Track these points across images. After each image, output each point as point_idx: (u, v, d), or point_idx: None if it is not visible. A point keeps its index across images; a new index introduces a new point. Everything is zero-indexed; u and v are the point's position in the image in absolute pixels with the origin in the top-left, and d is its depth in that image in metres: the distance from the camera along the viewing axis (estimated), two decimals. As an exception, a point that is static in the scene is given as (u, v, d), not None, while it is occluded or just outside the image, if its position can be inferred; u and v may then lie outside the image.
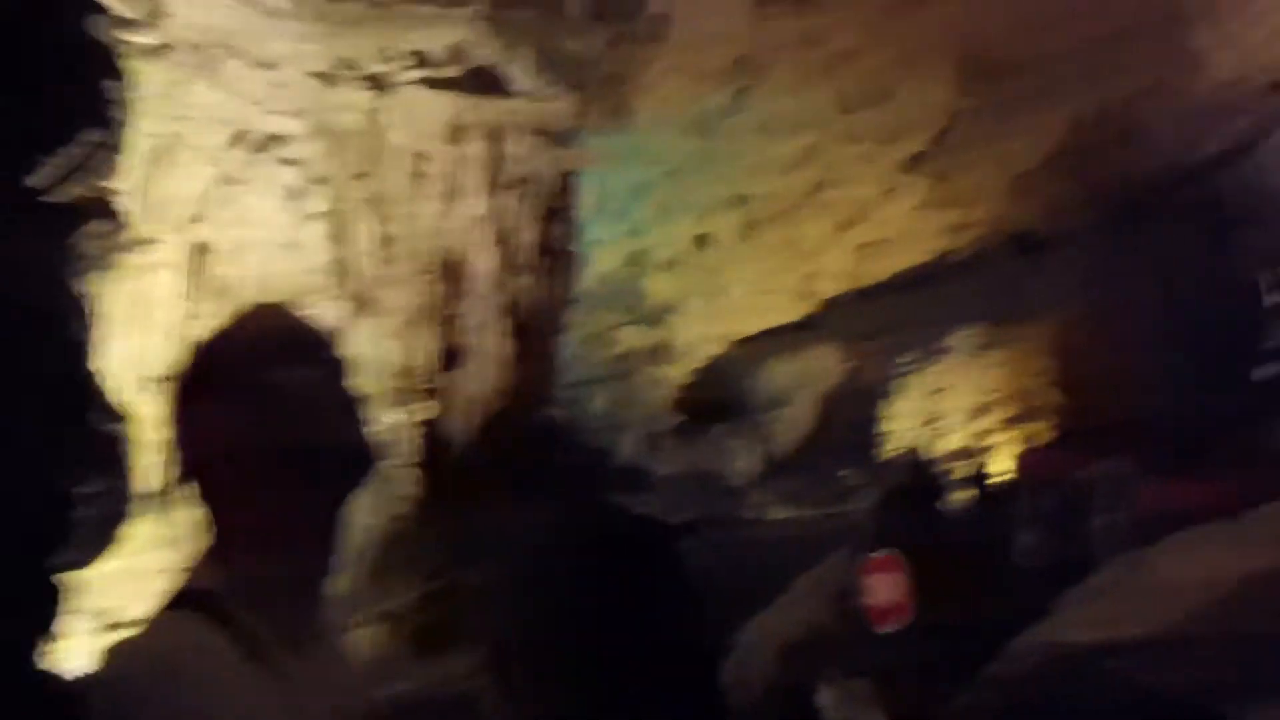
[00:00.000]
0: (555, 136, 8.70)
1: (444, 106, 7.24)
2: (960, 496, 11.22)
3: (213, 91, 5.80)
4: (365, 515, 7.26)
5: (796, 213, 13.03)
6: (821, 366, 14.39)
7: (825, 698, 7.04)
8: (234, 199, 6.23)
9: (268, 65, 6.04)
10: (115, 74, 3.75)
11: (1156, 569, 6.85)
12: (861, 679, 7.48)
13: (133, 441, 4.43)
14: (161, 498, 5.01)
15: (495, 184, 8.33)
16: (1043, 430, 12.15)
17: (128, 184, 4.39)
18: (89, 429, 3.87)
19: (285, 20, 5.84)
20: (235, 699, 1.51)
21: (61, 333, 3.60)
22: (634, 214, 12.34)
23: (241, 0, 5.80)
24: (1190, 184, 10.93)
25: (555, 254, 9.36)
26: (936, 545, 8.69)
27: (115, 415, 4.29)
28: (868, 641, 8.25)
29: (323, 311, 7.36)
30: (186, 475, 1.68)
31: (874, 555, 8.41)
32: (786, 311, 14.55)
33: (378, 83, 6.68)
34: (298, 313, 1.85)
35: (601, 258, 12.24)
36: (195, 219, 6.10)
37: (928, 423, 12.82)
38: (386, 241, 7.56)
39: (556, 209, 9.20)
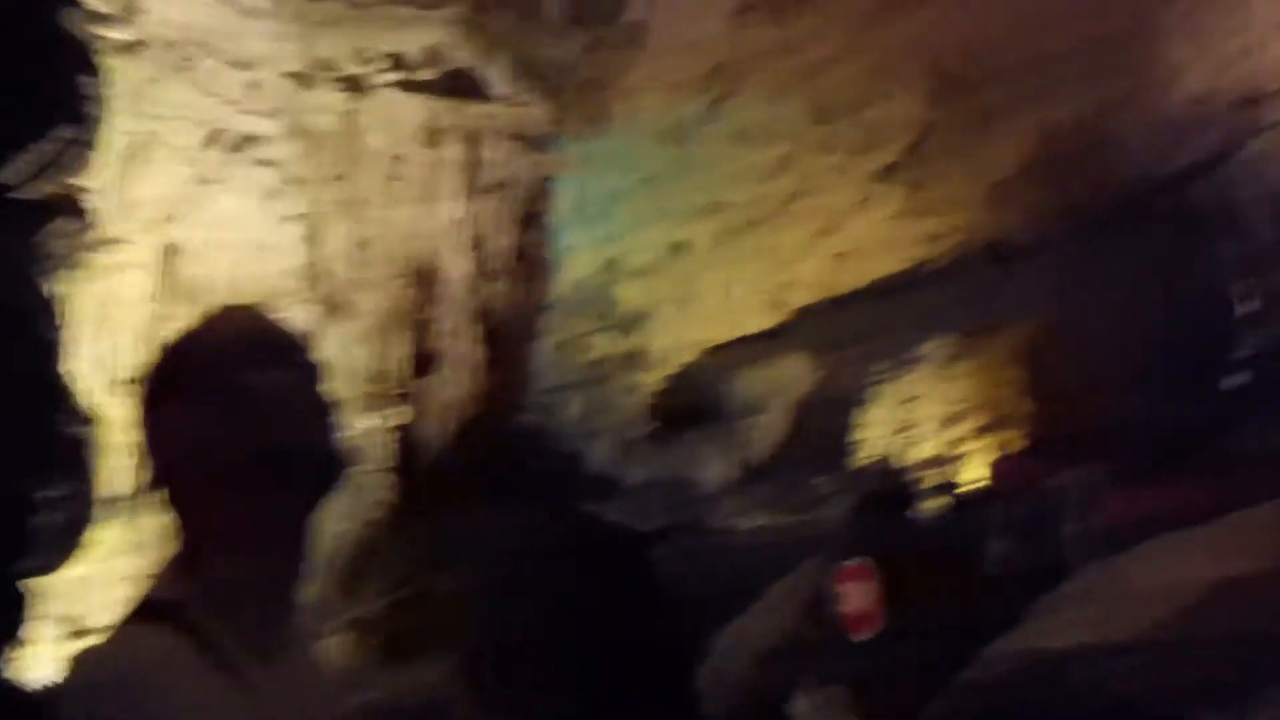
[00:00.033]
0: (532, 142, 8.67)
1: (421, 109, 7.19)
2: (933, 504, 11.30)
3: (188, 90, 5.71)
4: (337, 521, 7.17)
5: (772, 221, 13.10)
6: (794, 375, 14.43)
7: (800, 704, 7.04)
8: (208, 199, 6.13)
9: (244, 65, 5.96)
10: (90, 70, 3.67)
11: (1128, 576, 6.94)
12: (836, 686, 7.50)
13: (100, 445, 4.34)
14: (129, 502, 4.91)
15: (471, 188, 8.29)
16: (1014, 438, 12.26)
17: (99, 182, 4.30)
18: (55, 431, 3.77)
19: (262, 20, 5.77)
20: (202, 710, 1.47)
21: (29, 333, 3.51)
22: (609, 221, 12.35)
23: (219, -2, 5.76)
24: (1163, 195, 11.10)
25: (530, 260, 9.32)
26: (910, 553, 8.75)
27: (82, 417, 4.20)
28: (842, 648, 8.27)
29: (295, 314, 7.28)
30: (154, 480, 1.64)
31: (847, 563, 8.46)
32: (760, 319, 14.60)
33: (354, 84, 6.62)
34: (269, 315, 1.81)
35: (576, 264, 12.22)
36: (168, 219, 6.00)
37: (900, 431, 12.88)
38: (361, 245, 7.48)
39: (532, 214, 9.17)
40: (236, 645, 1.58)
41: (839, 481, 12.67)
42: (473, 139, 8.06)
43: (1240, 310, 10.49)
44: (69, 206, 3.84)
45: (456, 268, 8.38)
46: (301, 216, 6.69)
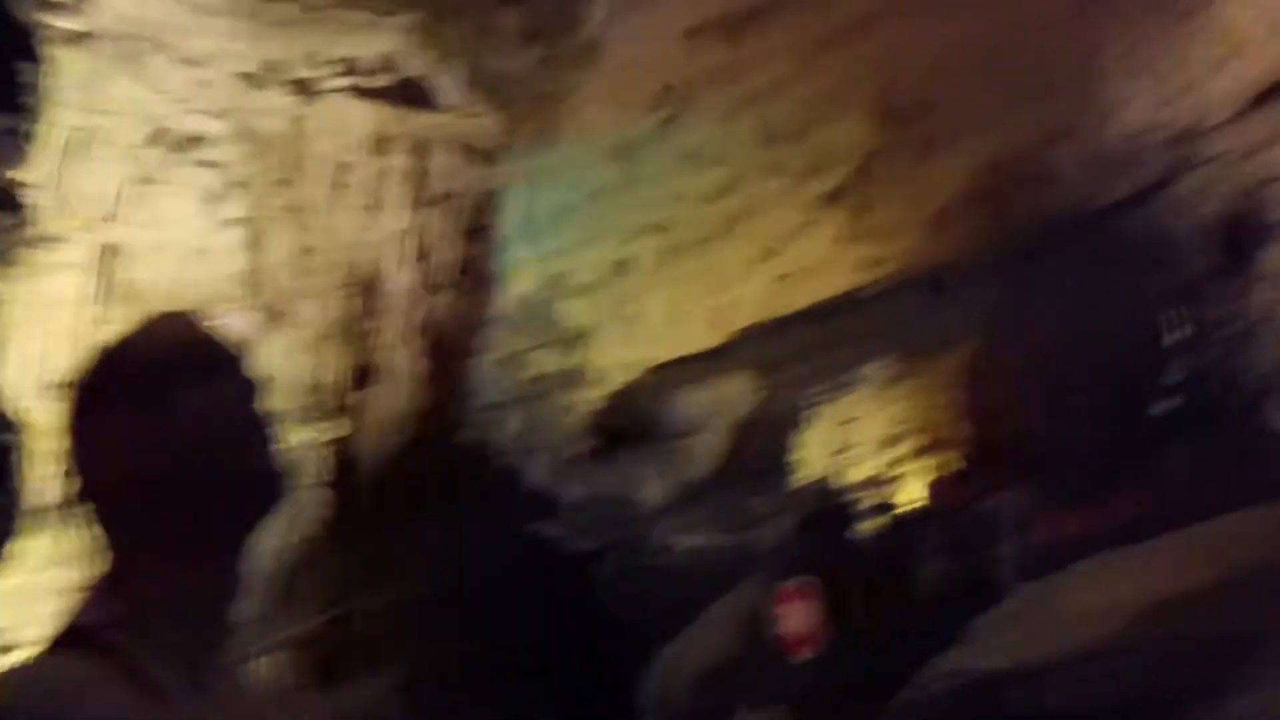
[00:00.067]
0: (481, 154, 8.62)
1: (370, 116, 7.10)
2: (870, 525, 11.42)
3: (135, 86, 5.53)
4: (272, 537, 6.96)
5: (716, 242, 13.19)
6: (734, 395, 14.50)
7: (743, 725, 7.03)
8: (149, 199, 5.94)
9: (193, 62, 5.80)
10: (31, 58, 3.52)
11: (1064, 595, 7.08)
12: (775, 708, 7.50)
13: (27, 452, 4.14)
14: (57, 513, 4.70)
15: (418, 199, 8.20)
16: (951, 460, 12.46)
17: (38, 176, 4.13)
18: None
19: (215, 17, 5.63)
20: None
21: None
22: (554, 236, 12.32)
23: (172, -7, 5.59)
24: (1097, 226, 11.49)
25: (475, 273, 9.25)
26: (848, 573, 8.84)
27: (9, 424, 4.01)
28: (782, 669, 8.31)
29: (234, 322, 7.08)
30: (82, 492, 1.55)
31: (787, 584, 8.52)
32: (702, 339, 14.65)
33: (304, 88, 6.50)
34: (208, 323, 1.74)
35: (520, 279, 12.15)
36: (107, 218, 5.79)
37: (839, 452, 13.03)
38: (304, 252, 7.33)
39: (478, 227, 9.10)
40: (165, 670, 1.51)
41: (778, 502, 12.73)
42: (421, 149, 7.98)
43: (1171, 338, 10.85)
44: (5, 199, 3.68)
45: (400, 279, 8.27)
46: (244, 221, 6.53)
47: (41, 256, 5.08)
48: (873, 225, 12.59)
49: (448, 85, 7.70)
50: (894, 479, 12.40)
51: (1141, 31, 10.65)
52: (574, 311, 13.80)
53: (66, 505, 1.49)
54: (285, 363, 7.30)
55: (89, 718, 1.32)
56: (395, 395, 8.44)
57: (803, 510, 12.10)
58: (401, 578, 8.67)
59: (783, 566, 9.49)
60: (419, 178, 8.07)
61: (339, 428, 7.81)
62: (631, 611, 10.16)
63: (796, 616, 8.16)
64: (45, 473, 4.25)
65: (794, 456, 13.36)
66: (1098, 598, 5.84)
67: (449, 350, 8.98)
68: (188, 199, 6.16)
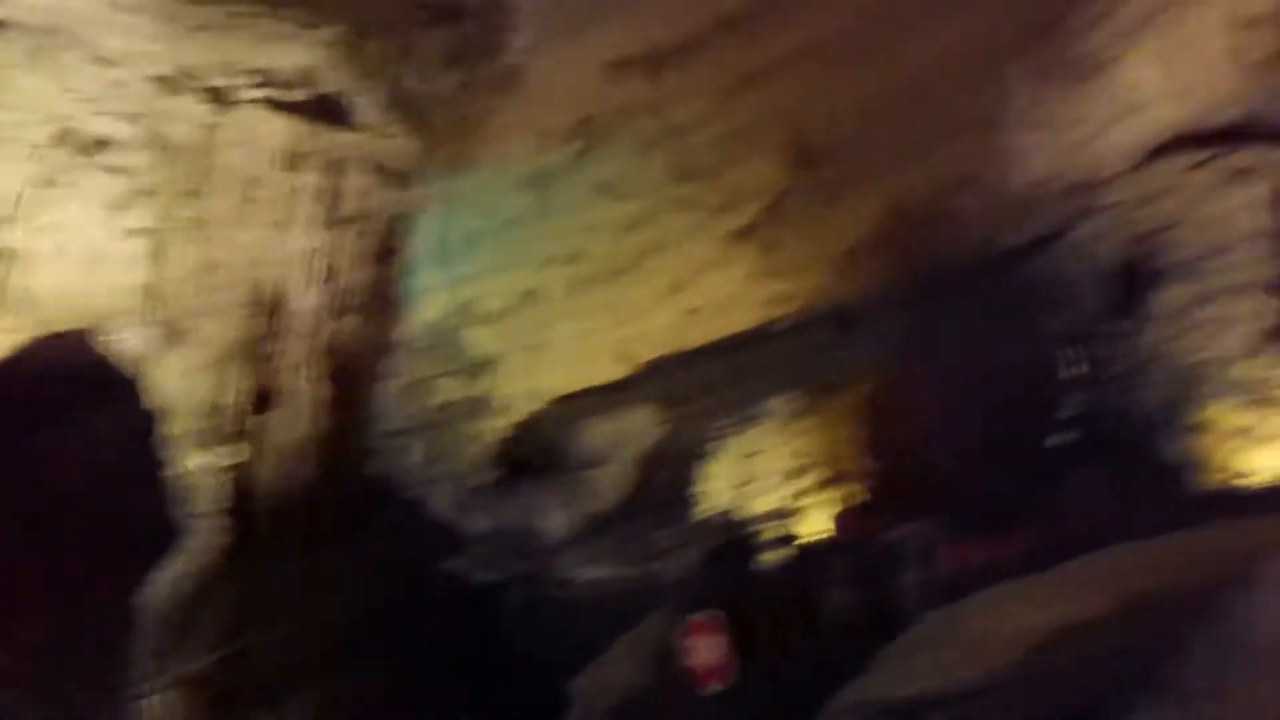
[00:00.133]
0: (395, 176, 8.46)
1: (284, 131, 6.89)
2: (775, 556, 11.55)
3: (44, 82, 5.22)
4: (167, 570, 6.58)
5: (625, 275, 13.26)
6: (639, 427, 14.52)
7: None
8: (50, 203, 5.59)
9: (107, 62, 5.52)
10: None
11: (969, 623, 7.28)
12: (687, 740, 7.46)
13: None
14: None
15: (328, 218, 7.98)
16: (856, 492, 12.75)
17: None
18: None
19: (134, 15, 5.38)
20: None
21: None
22: (465, 263, 12.16)
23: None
24: (998, 268, 12.05)
25: (382, 298, 9.03)
26: (754, 605, 8.91)
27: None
28: (691, 703, 8.27)
29: (130, 338, 6.73)
30: None
31: (694, 617, 8.52)
32: (608, 371, 14.67)
33: (219, 97, 6.26)
34: (100, 347, 1.62)
35: (427, 305, 11.93)
36: (6, 220, 5.42)
37: (744, 485, 13.15)
38: (207, 268, 7.03)
39: (388, 251, 8.91)
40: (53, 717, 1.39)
41: (683, 534, 12.77)
42: (334, 167, 7.79)
43: (1067, 375, 11.48)
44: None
45: (305, 300, 8.02)
46: (148, 231, 6.22)
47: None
48: (781, 262, 12.86)
49: (365, 104, 7.55)
50: (799, 511, 12.58)
51: (1046, 86, 11.35)
52: (481, 339, 13.63)
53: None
54: (183, 383, 6.96)
55: None
56: (297, 420, 8.13)
57: (708, 542, 12.18)
58: (302, 612, 8.31)
59: (689, 599, 9.52)
60: (331, 197, 7.86)
61: (238, 453, 7.47)
62: (538, 644, 9.99)
63: (705, 649, 8.18)
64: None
65: (699, 489, 13.43)
66: (1000, 626, 5.98)
67: (354, 375, 8.72)
68: (91, 205, 5.83)
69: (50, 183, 5.56)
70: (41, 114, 5.35)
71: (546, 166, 10.91)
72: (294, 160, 7.28)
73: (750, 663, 8.14)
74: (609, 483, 14.10)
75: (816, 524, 12.27)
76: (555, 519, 13.65)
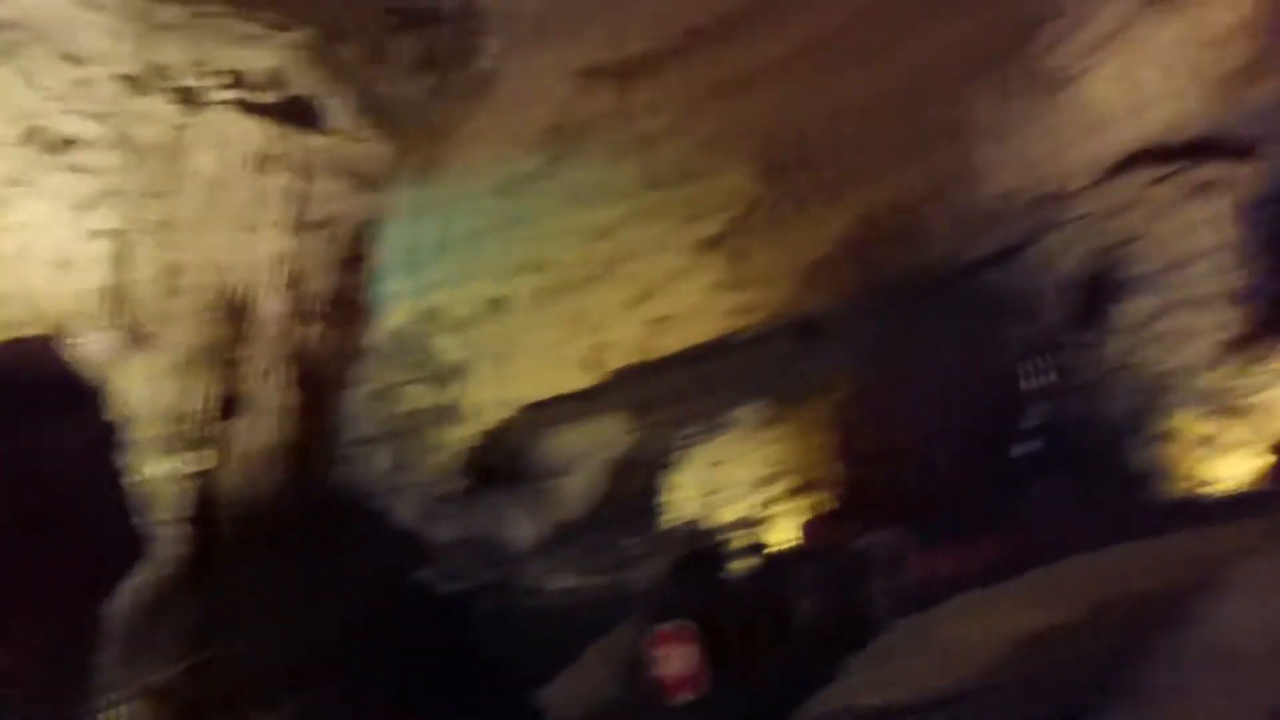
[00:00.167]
0: (365, 181, 8.38)
1: (254, 133, 6.79)
2: (743, 565, 11.57)
3: (11, 78, 5.10)
4: (130, 579, 6.44)
5: (594, 283, 13.27)
6: (607, 436, 14.52)
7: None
8: (14, 202, 5.46)
9: (76, 60, 5.41)
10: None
11: (938, 631, 7.33)
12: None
13: None
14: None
15: (297, 223, 7.88)
16: (823, 501, 12.83)
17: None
18: None
19: (101, 13, 5.27)
20: None
21: None
22: (433, 270, 12.08)
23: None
24: (964, 279, 12.23)
25: (349, 304, 8.92)
26: (724, 613, 8.91)
27: None
28: (662, 713, 8.24)
29: (93, 341, 6.59)
30: None
31: (664, 627, 8.50)
32: (575, 380, 14.65)
33: (188, 98, 6.16)
34: (63, 354, 1.59)
35: (395, 312, 11.83)
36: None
37: (711, 493, 13.19)
38: (172, 271, 6.90)
39: (356, 257, 8.81)
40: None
41: (650, 542, 12.76)
42: (304, 171, 7.69)
43: (1030, 385, 11.69)
44: None
45: (273, 305, 7.91)
46: (113, 233, 6.09)
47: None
48: (750, 272, 12.94)
49: (336, 107, 7.47)
50: (768, 519, 12.63)
51: (1013, 101, 11.56)
52: (449, 346, 13.56)
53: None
54: (147, 388, 6.82)
55: None
56: (263, 427, 8.00)
57: (676, 551, 12.18)
58: (268, 622, 8.16)
59: (658, 608, 9.49)
60: (300, 201, 7.75)
61: (203, 460, 7.34)
62: (507, 654, 9.93)
63: (675, 659, 8.16)
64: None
65: (667, 497, 13.45)
66: (968, 634, 6.02)
67: (321, 382, 8.60)
68: (57, 205, 5.71)
69: (16, 181, 5.44)
70: (8, 112, 5.23)
71: (517, 174, 10.87)
72: (263, 163, 7.17)
73: (720, 671, 8.13)
74: (577, 491, 14.07)
75: (785, 532, 12.33)
76: (523, 528, 13.59)
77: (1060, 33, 10.38)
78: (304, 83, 6.85)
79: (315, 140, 7.47)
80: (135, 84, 5.82)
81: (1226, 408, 10.65)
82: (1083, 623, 5.68)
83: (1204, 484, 10.34)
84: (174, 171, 6.36)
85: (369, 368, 10.97)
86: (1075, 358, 11.34)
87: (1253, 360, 10.97)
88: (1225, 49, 10.70)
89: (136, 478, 7.12)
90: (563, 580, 12.55)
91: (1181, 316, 10.91)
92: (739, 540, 12.11)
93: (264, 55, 6.37)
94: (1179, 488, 10.33)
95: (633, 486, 13.83)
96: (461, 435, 14.08)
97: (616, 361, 14.55)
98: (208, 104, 6.30)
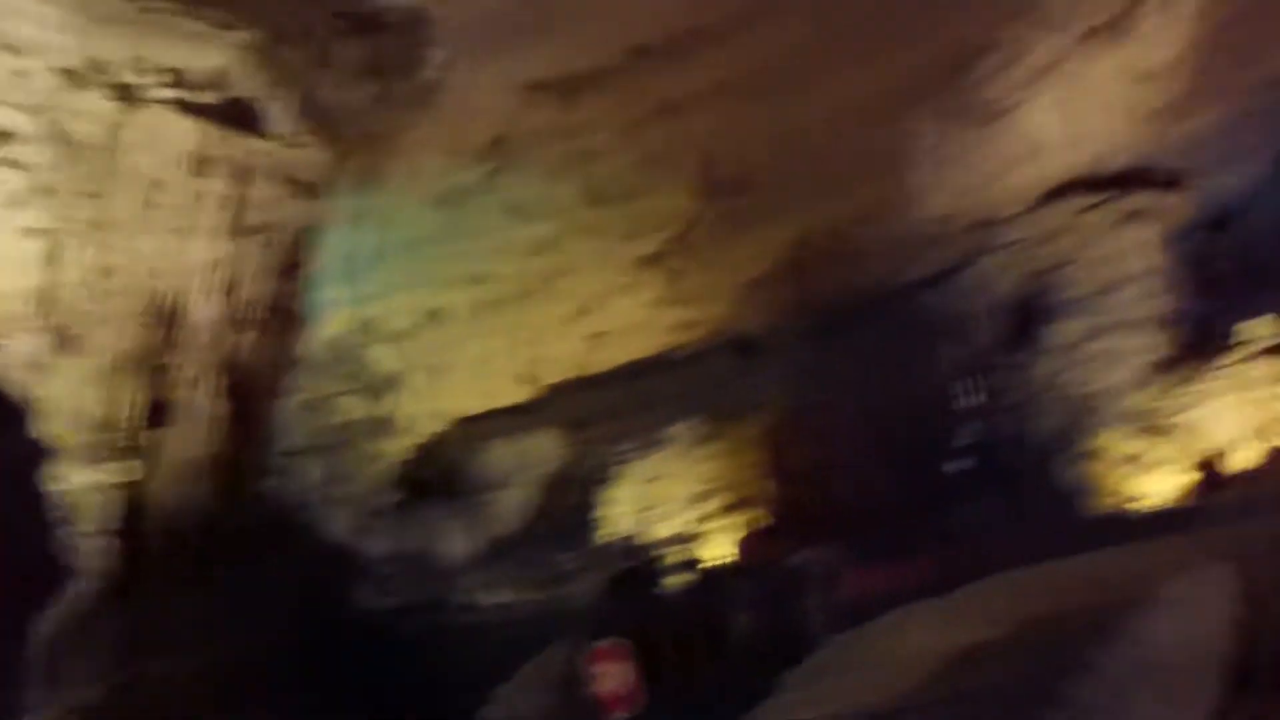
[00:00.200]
0: (304, 187, 8.24)
1: (192, 134, 6.64)
2: (679, 581, 11.60)
3: (-57, 67, 4.87)
4: (57, 599, 6.17)
5: (531, 297, 13.19)
6: (542, 450, 14.45)
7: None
8: (-60, 198, 5.22)
9: (12, 49, 5.21)
10: None
11: (872, 647, 7.43)
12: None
13: None
14: None
15: (233, 228, 7.71)
16: (758, 518, 12.94)
17: None
18: None
19: (45, 4, 5.07)
20: None
21: None
22: (370, 280, 11.86)
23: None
24: (899, 300, 12.52)
25: (284, 312, 8.76)
26: (659, 629, 8.91)
27: None
28: (598, 730, 8.17)
29: (19, 344, 6.34)
30: None
31: (600, 643, 8.45)
32: (511, 393, 14.55)
33: (127, 94, 5.98)
34: None
35: (330, 321, 11.59)
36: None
37: (646, 509, 13.20)
38: (104, 273, 6.69)
39: (291, 264, 8.65)
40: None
41: (585, 558, 12.71)
42: (242, 175, 7.54)
43: (962, 404, 12.01)
44: None
45: (204, 311, 7.72)
46: (44, 232, 5.86)
47: None
48: (687, 290, 13.02)
49: (278, 111, 7.34)
50: (703, 536, 12.69)
51: (951, 127, 11.84)
52: (385, 358, 13.32)
53: None
54: (74, 394, 6.59)
55: None
56: (193, 436, 7.78)
57: (612, 567, 12.15)
58: (196, 639, 7.89)
59: (594, 625, 9.44)
60: (237, 205, 7.60)
61: (129, 470, 7.10)
62: (441, 671, 9.75)
63: (611, 676, 8.11)
64: None
65: (603, 513, 13.42)
66: (902, 649, 6.14)
67: (253, 391, 8.41)
68: (-14, 201, 5.48)
69: (-57, 176, 5.22)
70: (-62, 103, 5.02)
71: (457, 185, 10.76)
72: (201, 165, 7.02)
73: (656, 688, 8.12)
74: (512, 506, 13.95)
75: (721, 549, 12.40)
76: (457, 543, 13.41)
77: (999, 64, 10.73)
78: (246, 84, 6.72)
79: (255, 144, 7.34)
80: (73, 78, 5.64)
81: (1152, 427, 11.10)
82: (1015, 638, 5.82)
83: (1130, 500, 10.74)
84: (109, 170, 6.17)
85: (302, 377, 10.75)
86: (1007, 378, 11.70)
87: (1179, 382, 11.49)
88: (1157, 85, 11.21)
89: (60, 488, 6.85)
90: (497, 596, 12.40)
91: (1110, 339, 11.36)
92: (675, 556, 12.14)
93: (208, 54, 6.23)
94: (1106, 504, 10.70)
95: (568, 502, 13.77)
96: (396, 448, 13.85)
97: (553, 376, 14.50)
98: (147, 102, 6.14)
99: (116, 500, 6.99)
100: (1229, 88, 11.64)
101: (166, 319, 7.52)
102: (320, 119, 7.83)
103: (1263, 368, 11.25)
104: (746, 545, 12.25)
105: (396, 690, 8.65)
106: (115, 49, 5.76)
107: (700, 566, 11.79)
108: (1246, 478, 10.65)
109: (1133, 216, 11.68)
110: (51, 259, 6.17)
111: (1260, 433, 10.97)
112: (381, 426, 13.56)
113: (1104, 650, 4.67)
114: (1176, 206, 11.98)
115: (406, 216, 11.09)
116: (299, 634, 7.95)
